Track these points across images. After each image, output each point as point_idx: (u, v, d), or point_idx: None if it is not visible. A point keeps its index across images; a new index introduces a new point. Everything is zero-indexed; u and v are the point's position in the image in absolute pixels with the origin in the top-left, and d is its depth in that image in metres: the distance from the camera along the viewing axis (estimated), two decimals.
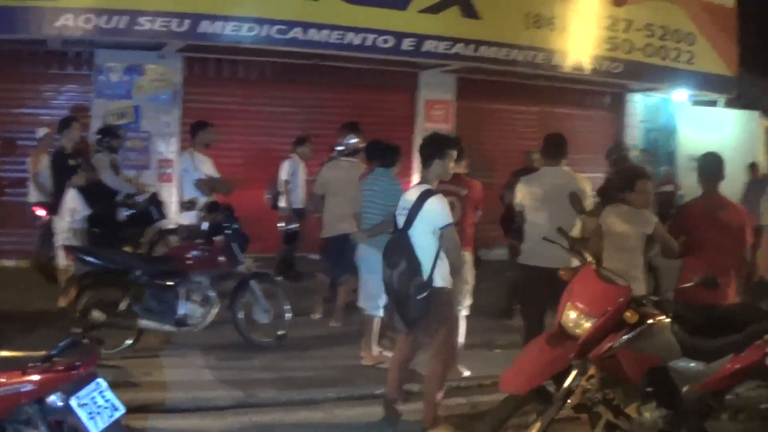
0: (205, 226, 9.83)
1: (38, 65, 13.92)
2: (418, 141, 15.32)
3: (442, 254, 7.18)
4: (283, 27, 13.14)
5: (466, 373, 9.08)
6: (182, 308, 9.24)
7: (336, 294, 11.22)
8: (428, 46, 14.43)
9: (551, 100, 18.08)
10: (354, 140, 10.92)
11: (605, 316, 6.07)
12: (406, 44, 14.21)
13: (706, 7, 18.28)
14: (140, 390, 7.82)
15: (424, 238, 7.15)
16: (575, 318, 6.16)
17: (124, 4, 12.26)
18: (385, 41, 13.99)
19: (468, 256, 9.06)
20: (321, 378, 8.89)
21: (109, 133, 12.03)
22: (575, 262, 8.14)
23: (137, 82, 13.99)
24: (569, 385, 6.09)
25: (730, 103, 19.58)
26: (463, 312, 9.02)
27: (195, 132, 11.23)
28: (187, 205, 10.64)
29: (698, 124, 19.50)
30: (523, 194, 8.59)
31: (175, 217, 13.35)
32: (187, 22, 12.51)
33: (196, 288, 9.45)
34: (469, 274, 9.09)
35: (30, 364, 5.00)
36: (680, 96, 19.16)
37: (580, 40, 16.13)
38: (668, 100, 19.59)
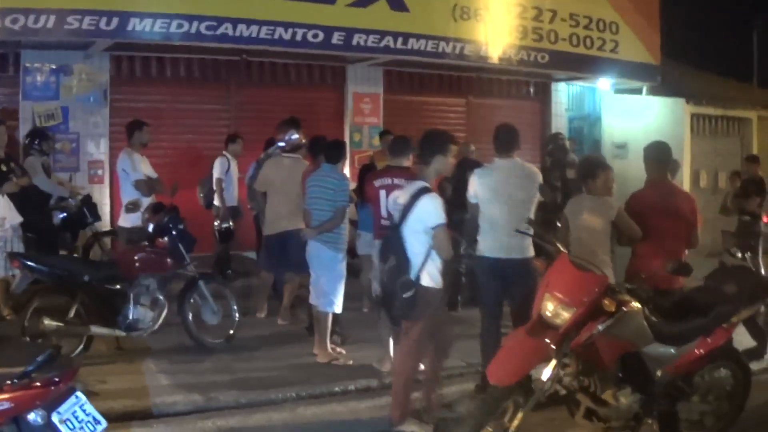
0: (150, 227, 9.65)
1: None
2: (348, 135, 15.43)
3: (434, 253, 7.14)
4: (212, 23, 12.87)
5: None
6: (132, 312, 9.05)
7: (280, 292, 11.11)
8: (357, 39, 14.30)
9: (478, 91, 18.02)
10: (296, 136, 10.78)
11: (585, 306, 6.09)
12: (336, 38, 14.06)
13: None
14: (98, 399, 7.45)
15: (415, 236, 7.12)
16: (554, 308, 6.19)
17: (51, 3, 11.87)
18: (315, 36, 13.83)
19: None
20: (278, 378, 8.80)
21: (39, 135, 11.74)
22: (531, 252, 8.25)
23: (65, 83, 13.57)
24: (551, 375, 6.10)
25: (654, 91, 19.77)
26: None
27: (131, 132, 10.97)
28: (130, 207, 10.38)
29: (623, 112, 19.65)
30: (476, 187, 8.52)
31: (108, 219, 13.15)
32: (115, 20, 12.17)
33: (145, 291, 9.26)
34: None
35: (6, 382, 4.78)
36: (605, 84, 19.29)
37: (506, 31, 16.08)
38: (593, 88, 19.70)
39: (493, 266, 8.36)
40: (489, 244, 8.41)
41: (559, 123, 19.14)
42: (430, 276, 7.17)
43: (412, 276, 7.04)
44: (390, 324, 7.47)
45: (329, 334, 9.58)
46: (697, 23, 24.73)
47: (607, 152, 18.60)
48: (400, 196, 7.35)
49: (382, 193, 8.94)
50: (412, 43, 14.88)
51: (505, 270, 8.26)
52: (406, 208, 7.15)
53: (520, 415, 6.09)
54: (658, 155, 8.57)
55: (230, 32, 13.06)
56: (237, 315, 9.92)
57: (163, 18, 12.56)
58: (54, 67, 13.53)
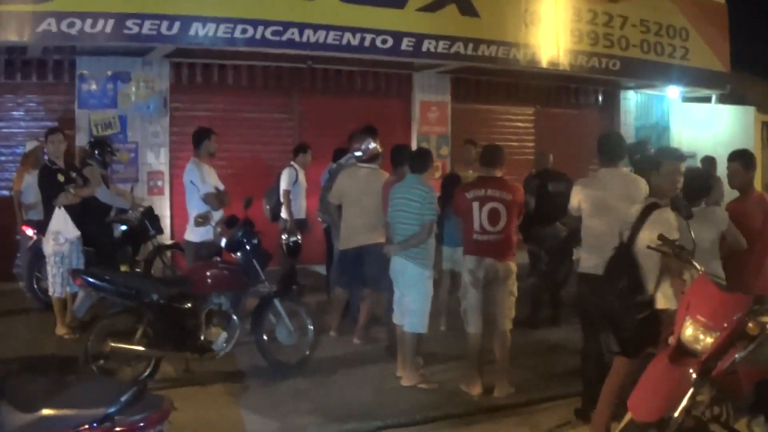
0: (223, 242, 9.06)
1: (16, 75, 13.03)
2: (414, 144, 14.83)
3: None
4: (278, 28, 12.41)
5: (508, 392, 8.45)
6: (204, 333, 8.44)
7: (356, 309, 10.51)
8: (427, 45, 13.77)
9: (546, 99, 17.73)
10: (373, 145, 10.15)
11: (729, 329, 5.47)
12: (405, 44, 13.55)
13: (698, 2, 17.98)
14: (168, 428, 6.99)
15: (648, 254, 6.59)
16: (695, 333, 5.58)
17: (110, 7, 11.44)
18: (384, 41, 13.33)
19: (513, 267, 8.44)
20: (361, 404, 8.10)
21: (101, 145, 11.21)
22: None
23: (122, 91, 13.16)
24: (685, 405, 5.48)
25: (723, 100, 19.23)
26: (506, 326, 8.55)
27: (199, 141, 10.28)
28: (200, 221, 9.77)
29: (691, 121, 19.18)
30: (581, 198, 7.86)
31: (169, 232, 12.65)
32: (177, 25, 11.74)
33: (217, 310, 8.65)
34: (514, 286, 8.56)
35: (85, 426, 4.12)
36: (673, 93, 18.77)
37: (577, 37, 15.64)
38: (661, 97, 19.26)
39: (597, 284, 7.70)
40: (593, 261, 7.73)
41: (627, 132, 18.63)
42: (665, 296, 6.66)
43: (646, 297, 6.60)
44: (617, 350, 6.83)
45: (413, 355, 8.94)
46: (763, 32, 23.98)
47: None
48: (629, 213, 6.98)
49: (475, 205, 8.35)
50: (483, 49, 14.45)
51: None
52: (637, 225, 6.76)
53: None
54: (747, 161, 8.24)
55: (296, 38, 12.62)
56: (313, 335, 9.25)
57: (227, 23, 12.16)
58: (111, 74, 13.15)
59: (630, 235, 6.77)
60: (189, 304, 8.48)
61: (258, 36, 12.33)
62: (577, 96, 18.33)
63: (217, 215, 9.86)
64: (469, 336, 8.55)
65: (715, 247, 7.55)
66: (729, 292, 5.84)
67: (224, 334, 8.56)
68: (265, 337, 8.99)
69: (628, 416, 5.63)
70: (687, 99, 19.43)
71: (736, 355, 5.56)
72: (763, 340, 5.62)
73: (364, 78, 15.19)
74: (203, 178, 10.01)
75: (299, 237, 11.73)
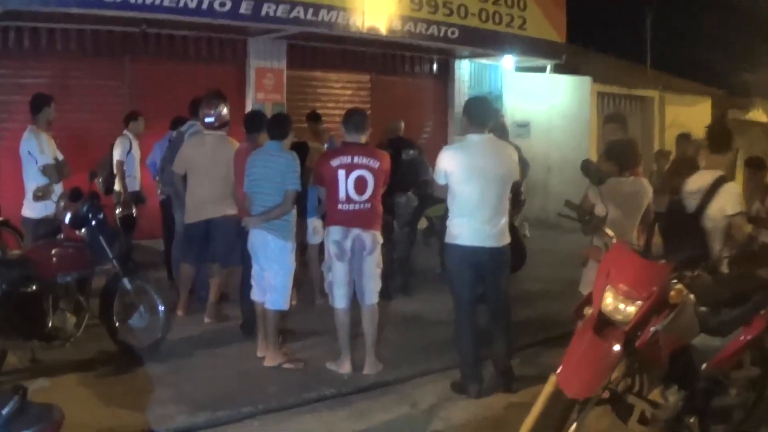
0: (67, 217, 8.32)
1: None
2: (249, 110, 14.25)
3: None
4: None
5: (378, 368, 8.14)
6: (51, 318, 7.68)
7: (202, 286, 10.05)
8: (266, 9, 13.24)
9: (382, 67, 17.58)
10: (225, 111, 9.57)
11: (653, 297, 5.30)
12: (244, 7, 12.97)
13: None
14: None
15: (714, 225, 7.07)
16: (615, 302, 5.36)
17: None
18: (222, 4, 12.72)
19: (379, 237, 8.09)
20: (227, 389, 7.56)
21: None
22: (508, 239, 7.50)
23: None
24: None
25: (557, 70, 19.43)
26: (374, 299, 8.18)
27: (38, 107, 9.46)
28: (39, 195, 8.97)
29: (525, 91, 19.36)
30: (448, 165, 7.49)
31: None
32: None
33: (64, 293, 7.88)
34: (380, 257, 8.23)
35: None
36: (508, 62, 18.90)
37: (417, 4, 15.50)
38: (495, 66, 19.36)
39: (469, 255, 7.44)
40: (464, 231, 7.45)
41: (461, 101, 18.40)
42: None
43: None
44: None
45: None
46: (598, 4, 24.64)
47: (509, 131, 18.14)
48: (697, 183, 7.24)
49: (341, 173, 7.91)
50: (322, 15, 13.96)
51: (482, 259, 7.46)
52: (707, 197, 7.07)
53: (575, 425, 5.29)
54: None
55: None
56: (164, 316, 8.61)
57: None
58: None
59: (699, 206, 7.06)
60: (33, 288, 7.70)
61: None
62: (413, 64, 18.21)
63: (57, 188, 9.12)
64: (336, 312, 8.14)
65: (636, 219, 7.57)
66: (649, 259, 5.65)
67: (73, 319, 7.86)
68: (115, 320, 8.33)
69: (548, 387, 5.34)
70: (521, 69, 19.56)
71: (653, 327, 5.38)
72: (681, 309, 5.49)
73: (198, 43, 14.56)
74: (42, 148, 9.25)
75: (134, 210, 11.04)
